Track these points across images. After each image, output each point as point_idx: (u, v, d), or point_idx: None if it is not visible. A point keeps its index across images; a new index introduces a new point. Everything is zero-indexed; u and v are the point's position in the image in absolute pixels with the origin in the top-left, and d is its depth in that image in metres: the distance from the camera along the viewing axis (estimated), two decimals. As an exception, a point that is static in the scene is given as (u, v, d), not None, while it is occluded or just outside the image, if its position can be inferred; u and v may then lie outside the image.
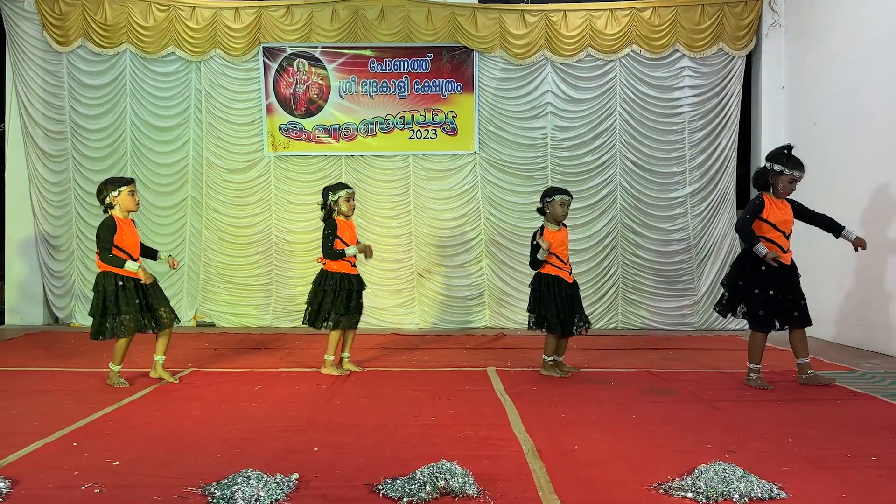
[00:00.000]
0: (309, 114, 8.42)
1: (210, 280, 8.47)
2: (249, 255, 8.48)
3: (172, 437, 3.75)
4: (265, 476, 2.96)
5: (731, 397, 4.74)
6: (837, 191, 6.81)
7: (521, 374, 5.54)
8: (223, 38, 8.27)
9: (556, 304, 5.30)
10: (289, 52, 8.37)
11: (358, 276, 5.63)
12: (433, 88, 8.39)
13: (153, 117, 8.40)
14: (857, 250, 5.09)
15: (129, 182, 5.07)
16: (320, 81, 8.41)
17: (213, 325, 8.41)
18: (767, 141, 8.21)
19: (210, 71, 8.39)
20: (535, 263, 5.38)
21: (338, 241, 5.44)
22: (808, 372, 5.07)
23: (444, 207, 8.49)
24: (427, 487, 2.86)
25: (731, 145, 8.36)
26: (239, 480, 2.90)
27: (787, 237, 4.95)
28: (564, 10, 8.26)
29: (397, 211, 8.50)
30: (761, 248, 4.77)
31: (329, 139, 8.43)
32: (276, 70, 8.38)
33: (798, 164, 4.86)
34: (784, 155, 4.89)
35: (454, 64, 8.37)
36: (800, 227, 5.10)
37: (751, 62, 8.47)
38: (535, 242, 5.37)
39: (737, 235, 8.28)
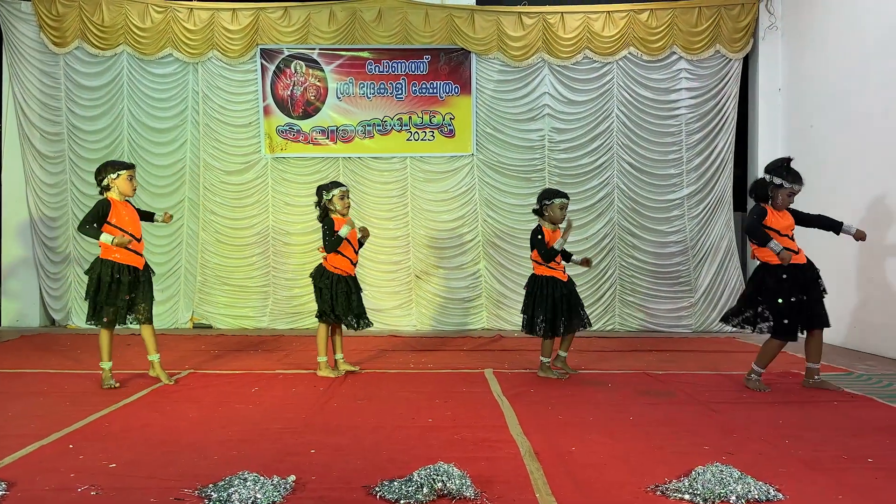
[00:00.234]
0: (306, 115, 8.41)
1: (207, 282, 8.46)
2: (246, 256, 8.47)
3: (169, 439, 3.75)
4: (262, 478, 2.95)
5: (728, 399, 4.75)
6: (834, 193, 6.81)
7: (518, 376, 5.54)
8: (220, 40, 8.27)
9: (545, 305, 5.30)
10: (286, 53, 8.37)
11: (354, 278, 5.59)
12: (431, 90, 8.40)
13: (150, 119, 8.39)
14: (857, 241, 5.10)
15: (130, 167, 5.12)
16: (318, 83, 8.40)
17: (210, 326, 8.40)
18: (764, 143, 8.25)
19: (207, 72, 8.38)
20: (547, 256, 5.33)
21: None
22: (816, 377, 5.09)
23: (441, 209, 8.49)
24: (424, 489, 2.86)
25: (727, 147, 8.37)
26: (236, 482, 2.90)
27: (792, 239, 4.98)
28: (561, 13, 8.27)
29: (395, 213, 8.50)
30: (775, 246, 4.77)
31: (326, 141, 8.42)
32: (274, 72, 8.37)
33: (797, 178, 4.88)
34: (784, 168, 4.90)
35: (452, 66, 8.37)
36: (797, 230, 5.10)
37: (748, 64, 8.48)
38: (538, 237, 5.36)
39: (734, 237, 8.38)
